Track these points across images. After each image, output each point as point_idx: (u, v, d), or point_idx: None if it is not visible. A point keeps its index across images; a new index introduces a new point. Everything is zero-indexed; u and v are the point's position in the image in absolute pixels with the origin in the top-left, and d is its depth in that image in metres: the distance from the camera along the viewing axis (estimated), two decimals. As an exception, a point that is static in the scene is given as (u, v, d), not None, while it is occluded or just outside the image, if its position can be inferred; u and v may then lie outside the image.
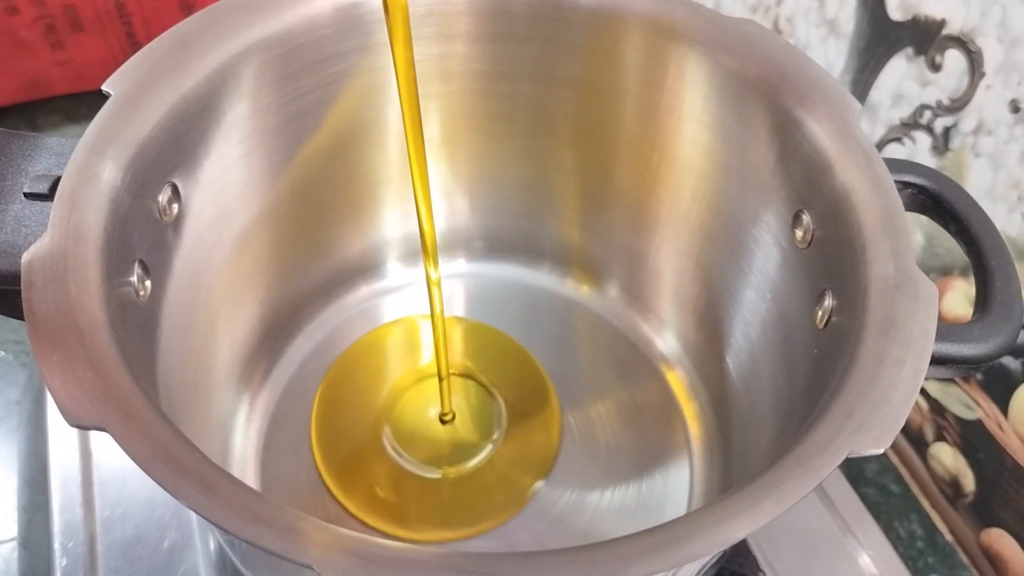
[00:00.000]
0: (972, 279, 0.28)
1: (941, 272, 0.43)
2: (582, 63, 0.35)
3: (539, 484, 0.37)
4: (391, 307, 0.42)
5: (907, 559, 0.43)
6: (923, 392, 0.47)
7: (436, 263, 0.33)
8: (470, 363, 0.41)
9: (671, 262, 0.39)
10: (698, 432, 0.38)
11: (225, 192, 0.32)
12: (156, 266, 0.28)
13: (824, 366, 0.26)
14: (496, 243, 0.43)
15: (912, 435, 0.48)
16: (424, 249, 0.32)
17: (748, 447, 0.34)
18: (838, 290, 0.27)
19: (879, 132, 0.44)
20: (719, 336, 0.37)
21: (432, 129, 0.38)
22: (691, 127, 0.34)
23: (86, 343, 0.22)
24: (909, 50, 0.41)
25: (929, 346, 0.23)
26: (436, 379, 0.38)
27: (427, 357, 0.41)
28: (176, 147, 0.28)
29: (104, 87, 0.27)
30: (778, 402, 0.31)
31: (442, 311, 0.35)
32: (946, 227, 0.30)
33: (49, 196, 0.26)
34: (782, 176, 0.30)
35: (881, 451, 0.21)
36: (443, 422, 0.38)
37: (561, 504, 0.36)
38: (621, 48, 0.34)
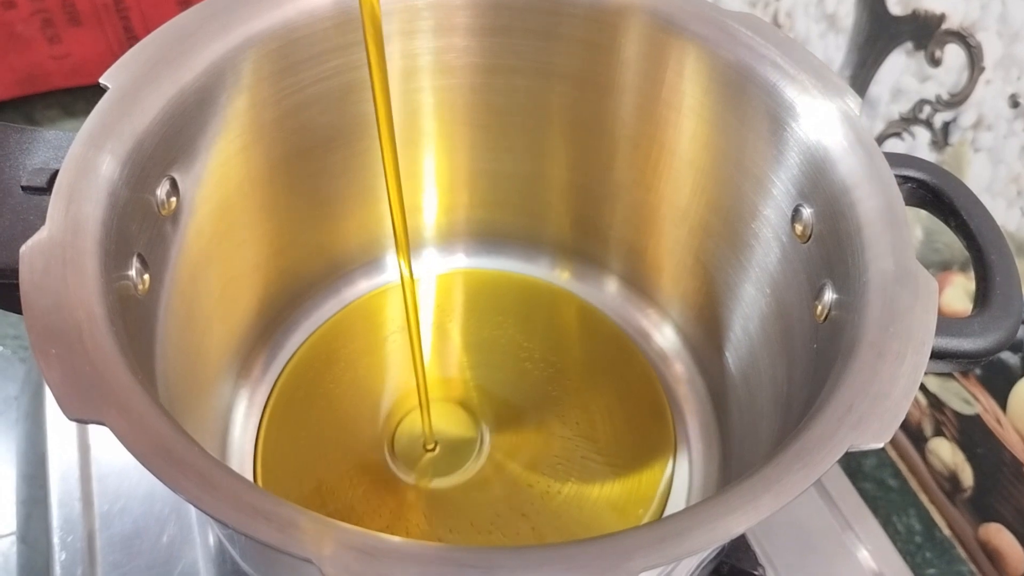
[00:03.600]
0: (972, 274, 0.28)
1: (941, 267, 0.43)
2: (581, 57, 0.35)
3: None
4: (391, 304, 0.42)
5: (905, 554, 0.43)
6: (922, 387, 0.47)
7: (408, 259, 0.32)
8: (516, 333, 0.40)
9: (670, 256, 0.39)
10: (697, 426, 0.38)
11: (223, 186, 0.32)
12: (154, 260, 0.28)
13: (824, 360, 0.26)
14: (495, 237, 0.43)
15: (911, 430, 0.48)
16: (397, 246, 0.31)
17: (747, 441, 0.34)
18: (838, 284, 0.27)
19: (878, 127, 0.44)
20: (718, 330, 0.37)
21: (431, 123, 0.38)
22: (690, 121, 0.34)
23: (84, 337, 0.22)
24: (909, 45, 0.41)
25: (929, 340, 0.23)
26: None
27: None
28: (174, 141, 0.28)
29: (102, 80, 0.27)
30: (777, 396, 0.31)
31: (417, 321, 0.33)
32: (946, 222, 0.30)
33: (47, 190, 0.26)
34: (781, 171, 0.30)
35: (881, 445, 0.21)
36: (427, 451, 0.37)
37: (560, 498, 0.36)
38: (620, 42, 0.34)
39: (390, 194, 0.30)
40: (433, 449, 0.37)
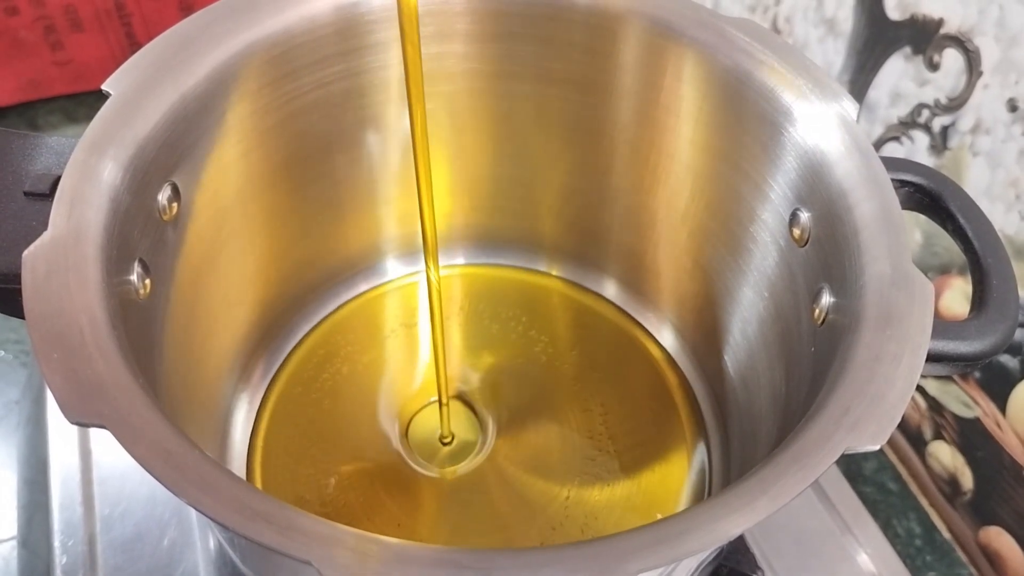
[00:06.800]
0: (970, 277, 0.28)
1: (939, 270, 0.43)
2: (580, 62, 0.35)
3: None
4: (391, 305, 0.42)
5: (905, 557, 0.43)
6: (921, 391, 0.47)
7: (437, 264, 0.32)
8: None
9: (669, 260, 0.39)
10: (696, 429, 0.39)
11: (224, 191, 0.32)
12: (156, 265, 0.28)
13: (821, 363, 0.26)
14: (495, 241, 0.43)
15: (910, 433, 0.48)
16: (425, 249, 0.32)
17: (746, 444, 0.34)
18: (835, 288, 0.27)
19: (877, 131, 0.45)
20: (717, 334, 0.37)
21: (431, 128, 0.38)
22: (689, 126, 0.34)
23: (86, 341, 0.22)
24: (907, 49, 0.42)
25: (925, 342, 0.23)
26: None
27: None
28: (176, 146, 0.28)
29: (104, 87, 0.27)
30: (776, 399, 0.31)
31: (442, 320, 0.34)
32: (943, 225, 0.30)
33: (49, 195, 0.26)
34: (779, 175, 0.31)
35: (877, 447, 0.22)
36: (443, 444, 0.38)
37: (559, 501, 0.36)
38: (619, 47, 0.34)
39: (420, 194, 0.30)
40: (450, 442, 0.38)
